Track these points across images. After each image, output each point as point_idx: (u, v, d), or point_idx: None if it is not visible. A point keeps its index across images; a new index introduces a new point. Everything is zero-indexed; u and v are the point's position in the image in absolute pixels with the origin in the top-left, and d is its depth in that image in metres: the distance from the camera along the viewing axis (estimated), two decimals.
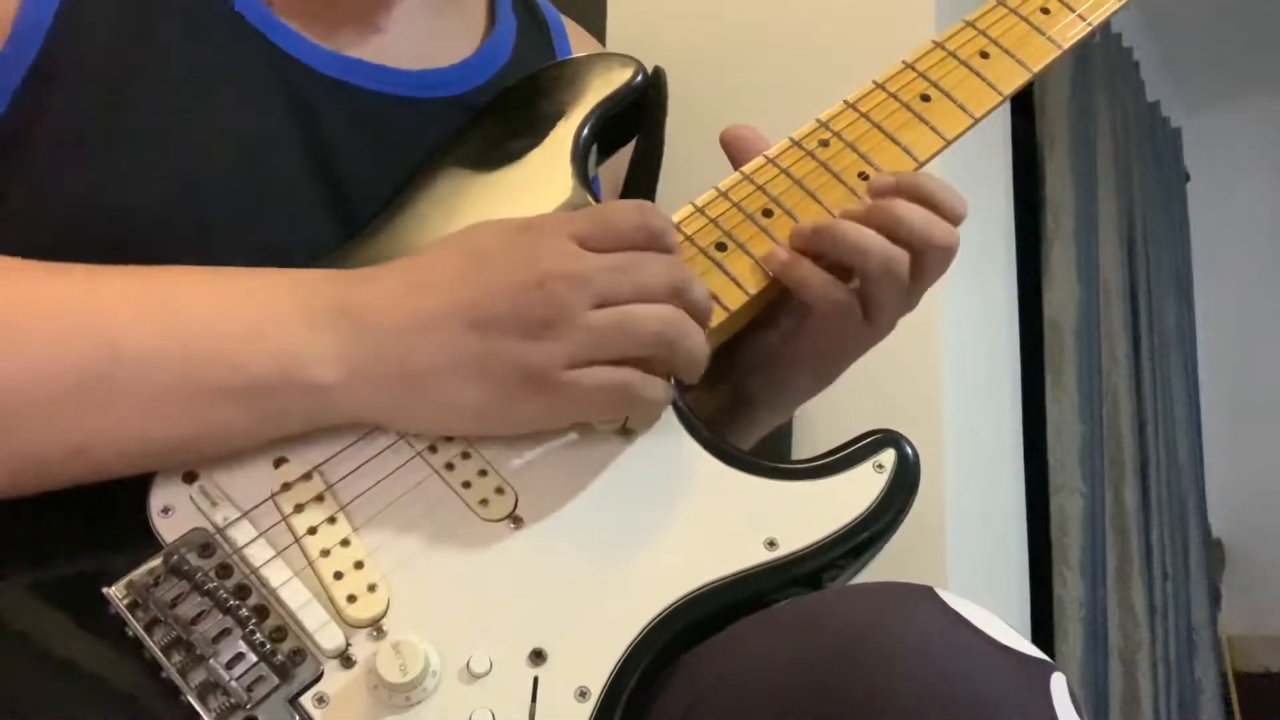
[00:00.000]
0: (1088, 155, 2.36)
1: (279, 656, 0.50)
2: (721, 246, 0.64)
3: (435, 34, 0.74)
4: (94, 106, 0.61)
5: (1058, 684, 0.48)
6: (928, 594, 0.50)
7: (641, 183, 0.76)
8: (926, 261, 0.63)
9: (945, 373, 1.73)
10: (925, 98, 0.69)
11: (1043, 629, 2.03)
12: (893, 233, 0.62)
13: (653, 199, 0.76)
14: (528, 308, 0.52)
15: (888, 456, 0.59)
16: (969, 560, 1.71)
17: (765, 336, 0.68)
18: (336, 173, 0.66)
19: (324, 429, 0.55)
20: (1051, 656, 2.08)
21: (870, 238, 0.62)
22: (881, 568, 0.58)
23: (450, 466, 0.56)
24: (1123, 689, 2.17)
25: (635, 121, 0.74)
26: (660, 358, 0.55)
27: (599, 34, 1.87)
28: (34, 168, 0.59)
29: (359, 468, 0.55)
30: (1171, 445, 2.64)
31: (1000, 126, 2.09)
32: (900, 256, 0.62)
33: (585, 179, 0.68)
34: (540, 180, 0.68)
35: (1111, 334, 2.37)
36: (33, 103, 0.60)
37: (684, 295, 0.55)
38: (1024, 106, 2.28)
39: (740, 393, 0.71)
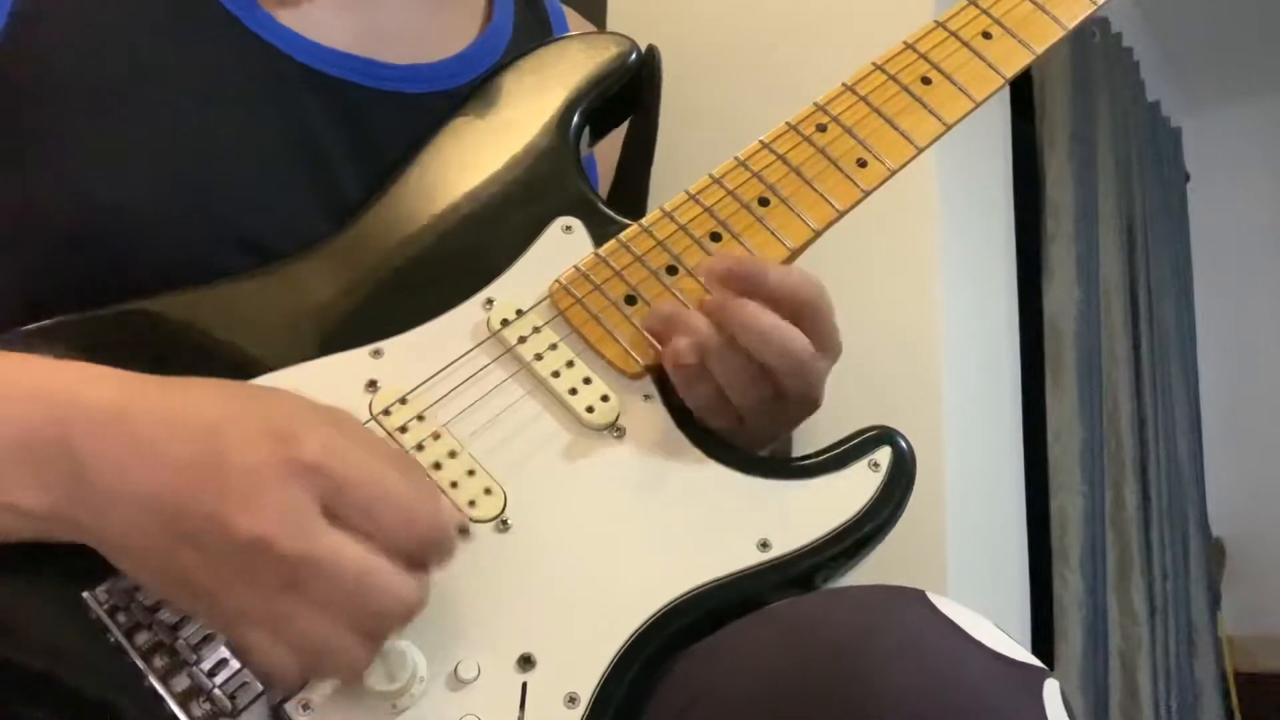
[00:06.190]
0: (1088, 155, 2.36)
1: None
2: (716, 236, 0.63)
3: (430, 27, 0.73)
4: (72, 106, 0.60)
5: (1050, 691, 0.47)
6: (920, 599, 0.49)
7: (635, 164, 0.75)
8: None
9: (945, 373, 1.72)
10: (926, 80, 0.67)
11: (1043, 629, 2.02)
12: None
13: (647, 181, 0.75)
14: (220, 545, 0.46)
15: (883, 454, 0.58)
16: (969, 560, 1.71)
17: None
18: (324, 167, 0.65)
19: None
20: (1051, 656, 2.05)
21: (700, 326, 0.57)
22: (880, 568, 0.57)
23: (438, 466, 0.55)
24: (1123, 689, 2.17)
25: (629, 102, 0.73)
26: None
27: (598, 23, 1.86)
28: (9, 171, 0.59)
29: None
30: (1171, 445, 2.63)
31: (1000, 126, 2.08)
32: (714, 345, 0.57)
33: (578, 161, 0.67)
34: (531, 164, 0.67)
35: (1111, 334, 2.37)
36: None
37: (374, 632, 0.47)
38: (1024, 106, 2.27)
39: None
